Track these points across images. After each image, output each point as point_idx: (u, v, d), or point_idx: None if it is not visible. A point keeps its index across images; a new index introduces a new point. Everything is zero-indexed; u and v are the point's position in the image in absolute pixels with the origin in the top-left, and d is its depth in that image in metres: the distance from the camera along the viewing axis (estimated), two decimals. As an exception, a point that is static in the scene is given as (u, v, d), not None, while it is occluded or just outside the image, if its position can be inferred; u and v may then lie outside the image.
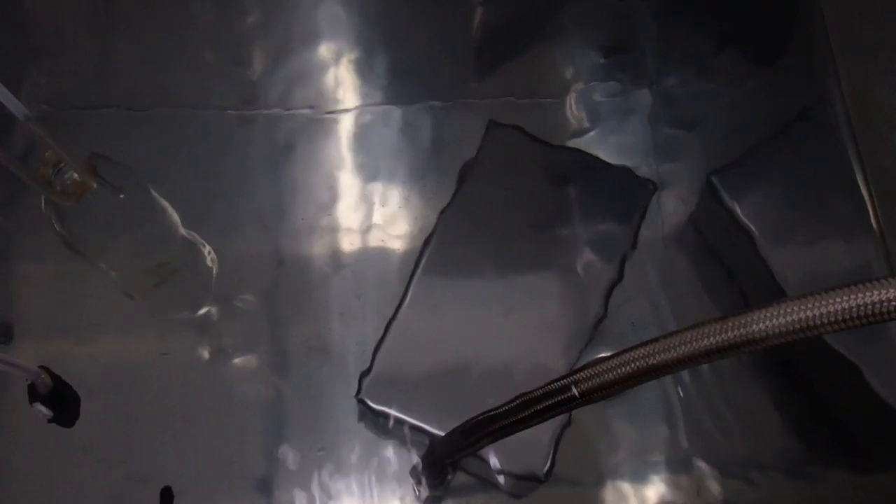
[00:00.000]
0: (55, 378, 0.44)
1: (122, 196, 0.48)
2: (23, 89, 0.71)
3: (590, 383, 0.36)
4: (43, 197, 0.46)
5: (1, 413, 0.61)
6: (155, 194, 0.51)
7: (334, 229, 0.68)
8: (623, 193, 0.65)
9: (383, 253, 0.67)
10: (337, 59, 0.74)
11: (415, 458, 0.61)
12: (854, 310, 0.29)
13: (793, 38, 0.75)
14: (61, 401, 0.45)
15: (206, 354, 0.64)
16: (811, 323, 0.30)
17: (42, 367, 0.43)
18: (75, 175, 0.45)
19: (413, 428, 0.58)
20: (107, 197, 0.47)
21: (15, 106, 0.40)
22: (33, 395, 0.44)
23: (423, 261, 0.62)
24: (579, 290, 0.61)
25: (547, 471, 0.56)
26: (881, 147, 0.67)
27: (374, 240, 0.68)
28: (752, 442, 0.63)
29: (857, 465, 0.63)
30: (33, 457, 0.61)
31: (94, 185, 0.46)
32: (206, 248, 0.61)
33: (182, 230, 0.55)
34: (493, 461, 0.56)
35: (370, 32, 0.75)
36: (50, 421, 0.45)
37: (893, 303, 0.28)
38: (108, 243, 0.50)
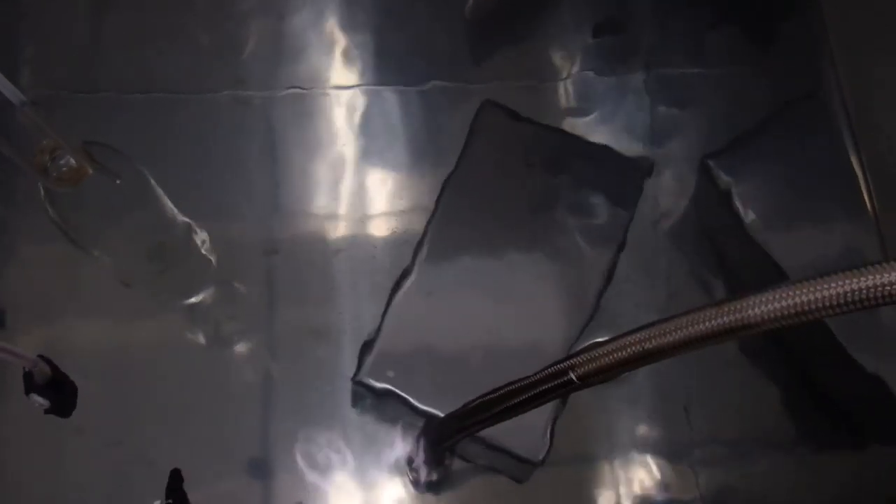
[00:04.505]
0: (53, 368, 0.44)
1: (118, 182, 0.48)
2: (18, 74, 0.70)
3: (587, 367, 0.36)
4: (39, 183, 0.46)
5: (1, 397, 0.62)
6: (152, 181, 0.51)
7: (329, 213, 0.68)
8: (619, 175, 0.65)
9: (379, 236, 0.67)
10: (332, 40, 0.73)
11: (412, 443, 0.61)
12: (849, 294, 0.29)
13: (789, 19, 0.75)
14: (58, 391, 0.44)
15: (202, 339, 0.64)
16: (806, 308, 0.30)
17: (40, 356, 0.43)
18: (72, 161, 0.45)
19: (411, 409, 0.58)
20: (103, 183, 0.47)
21: (11, 91, 0.40)
22: (30, 384, 0.43)
23: (422, 243, 0.62)
24: (577, 272, 0.61)
25: (544, 455, 0.56)
26: (877, 130, 0.67)
27: (370, 223, 0.68)
28: (749, 423, 0.64)
29: (853, 443, 0.64)
30: (33, 440, 0.61)
31: (91, 172, 0.45)
32: (203, 235, 0.61)
33: (179, 216, 0.55)
34: (491, 445, 0.56)
35: (366, 14, 0.74)
36: (47, 412, 0.45)
37: (888, 287, 0.29)
38: (104, 230, 0.50)
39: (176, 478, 0.52)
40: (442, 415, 0.55)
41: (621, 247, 0.62)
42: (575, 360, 0.37)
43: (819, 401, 0.64)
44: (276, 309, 0.65)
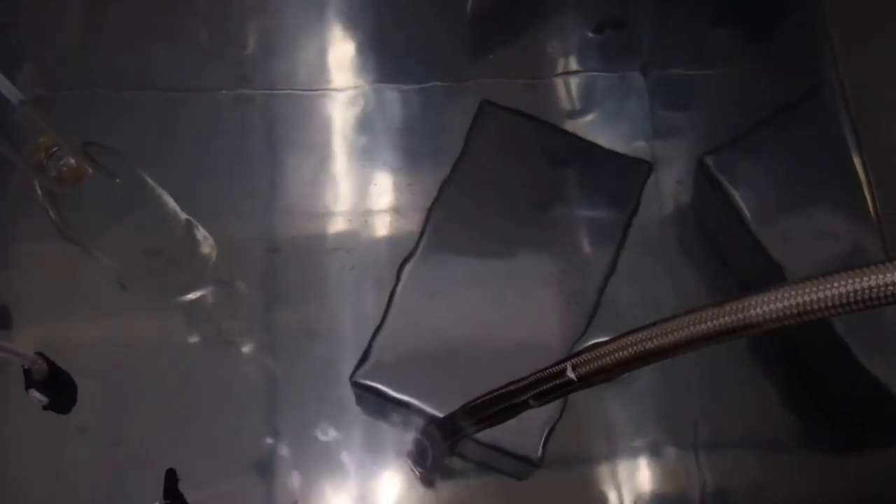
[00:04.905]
0: (51, 364, 0.44)
1: (117, 182, 0.48)
2: (17, 74, 0.70)
3: (587, 367, 0.36)
4: (38, 183, 0.46)
5: (1, 397, 0.62)
6: (151, 181, 0.51)
7: (330, 211, 0.68)
8: (619, 175, 0.65)
9: (379, 235, 0.67)
10: (333, 39, 0.73)
11: (411, 442, 0.61)
12: (851, 294, 0.29)
13: (789, 18, 0.75)
14: (57, 387, 0.44)
15: (201, 338, 0.64)
16: (808, 308, 0.30)
17: (39, 353, 0.43)
18: (71, 161, 0.45)
19: (410, 409, 0.58)
20: (102, 183, 0.47)
21: (9, 90, 0.40)
22: (29, 381, 0.44)
23: (421, 243, 0.62)
24: (577, 272, 0.61)
25: (541, 454, 0.56)
26: (878, 130, 0.67)
27: (370, 222, 0.68)
28: (750, 423, 0.64)
29: (853, 443, 0.64)
30: (33, 440, 0.61)
31: (90, 172, 0.45)
32: (203, 233, 0.61)
33: (181, 215, 0.55)
34: (490, 445, 0.56)
35: (366, 13, 0.74)
36: (45, 408, 0.45)
37: (890, 287, 0.29)
38: (103, 230, 0.50)
39: (171, 478, 0.52)
40: (442, 415, 0.55)
41: (622, 246, 0.62)
42: (575, 359, 0.37)
43: (819, 401, 0.64)
44: (277, 308, 0.65)
